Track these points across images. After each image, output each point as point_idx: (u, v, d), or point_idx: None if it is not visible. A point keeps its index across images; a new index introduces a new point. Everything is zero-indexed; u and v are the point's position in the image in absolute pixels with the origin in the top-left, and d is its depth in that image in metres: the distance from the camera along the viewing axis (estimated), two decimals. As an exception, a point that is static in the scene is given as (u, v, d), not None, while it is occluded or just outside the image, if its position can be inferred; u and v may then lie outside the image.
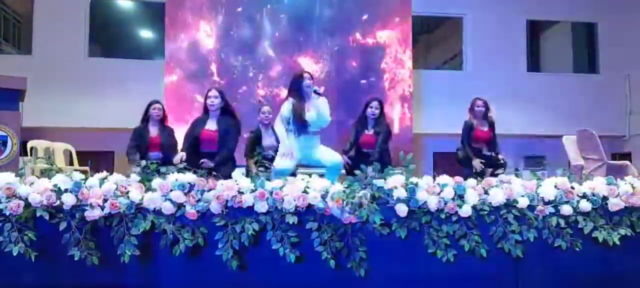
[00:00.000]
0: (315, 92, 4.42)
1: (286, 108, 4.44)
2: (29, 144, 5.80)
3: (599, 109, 10.01)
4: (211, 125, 4.52)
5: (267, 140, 5.23)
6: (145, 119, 5.00)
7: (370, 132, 5.30)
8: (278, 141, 4.87)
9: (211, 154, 4.42)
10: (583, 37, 11.15)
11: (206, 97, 4.58)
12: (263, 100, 5.22)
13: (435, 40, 11.29)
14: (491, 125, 5.65)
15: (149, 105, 5.04)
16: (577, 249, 2.79)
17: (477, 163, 5.48)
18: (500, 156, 5.57)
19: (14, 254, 2.40)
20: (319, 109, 4.42)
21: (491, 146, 5.61)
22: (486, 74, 9.82)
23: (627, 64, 10.34)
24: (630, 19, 10.26)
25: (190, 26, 8.22)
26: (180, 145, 4.80)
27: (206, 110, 4.58)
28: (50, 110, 8.52)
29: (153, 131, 4.96)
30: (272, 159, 4.70)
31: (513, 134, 9.84)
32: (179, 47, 8.09)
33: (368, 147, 5.25)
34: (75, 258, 2.44)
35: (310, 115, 4.39)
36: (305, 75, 4.50)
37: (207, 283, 2.68)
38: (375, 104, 5.34)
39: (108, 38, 9.84)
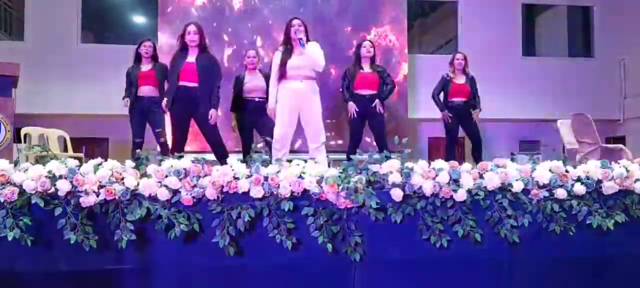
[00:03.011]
0: (299, 41, 4.30)
1: (275, 56, 4.50)
2: (23, 131, 5.77)
3: (594, 93, 10.03)
4: (190, 59, 4.64)
5: (252, 83, 5.36)
6: (137, 58, 5.35)
7: (367, 70, 5.32)
8: (267, 84, 5.13)
9: (190, 88, 4.58)
10: (578, 21, 11.12)
11: (185, 33, 4.66)
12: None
13: (430, 25, 11.24)
14: (470, 80, 5.78)
15: (139, 44, 5.38)
16: (571, 233, 2.81)
17: (445, 115, 5.66)
18: (475, 111, 5.79)
19: (9, 239, 2.39)
20: (309, 55, 4.32)
21: (469, 98, 5.81)
22: (481, 58, 9.79)
23: (622, 48, 10.34)
24: (626, 3, 10.25)
25: (183, 10, 8.15)
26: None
27: (184, 47, 4.64)
28: (44, 97, 8.47)
29: (144, 67, 5.29)
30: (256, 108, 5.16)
31: (508, 118, 9.86)
32: (173, 31, 8.02)
33: (365, 87, 5.28)
34: (72, 242, 2.44)
35: (296, 61, 4.32)
36: (294, 22, 4.43)
37: (203, 268, 2.69)
38: (367, 43, 5.38)
39: (100, 24, 9.74)
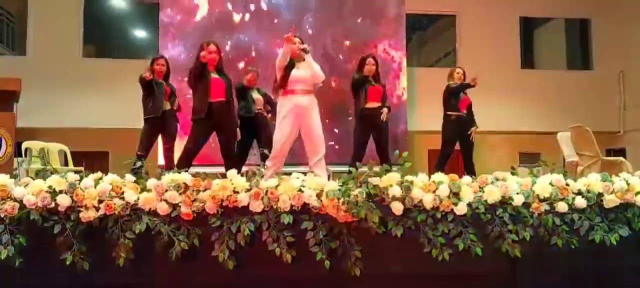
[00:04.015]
0: (304, 50, 4.32)
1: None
2: (24, 145, 5.77)
3: (592, 105, 10.04)
4: (215, 75, 4.67)
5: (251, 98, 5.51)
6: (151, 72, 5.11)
7: (375, 85, 5.36)
8: (265, 99, 5.51)
9: (222, 103, 4.66)
10: (577, 33, 11.17)
11: (208, 52, 4.60)
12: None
13: (428, 38, 11.29)
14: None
15: (152, 60, 5.24)
16: (573, 246, 2.80)
17: (473, 80, 6.00)
18: (473, 128, 5.95)
19: (2, 258, 2.39)
20: (311, 67, 4.32)
21: (469, 112, 6.04)
22: (480, 71, 9.83)
23: (620, 60, 10.37)
24: (624, 15, 10.29)
25: (183, 24, 8.20)
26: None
27: (203, 64, 4.63)
28: (45, 111, 8.48)
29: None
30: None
31: (507, 130, 9.87)
32: (173, 46, 8.07)
33: (376, 99, 5.29)
34: (68, 263, 2.44)
35: (298, 75, 4.36)
36: (295, 39, 4.42)
37: (203, 283, 2.67)
38: (370, 60, 5.39)
39: (102, 38, 9.79)
